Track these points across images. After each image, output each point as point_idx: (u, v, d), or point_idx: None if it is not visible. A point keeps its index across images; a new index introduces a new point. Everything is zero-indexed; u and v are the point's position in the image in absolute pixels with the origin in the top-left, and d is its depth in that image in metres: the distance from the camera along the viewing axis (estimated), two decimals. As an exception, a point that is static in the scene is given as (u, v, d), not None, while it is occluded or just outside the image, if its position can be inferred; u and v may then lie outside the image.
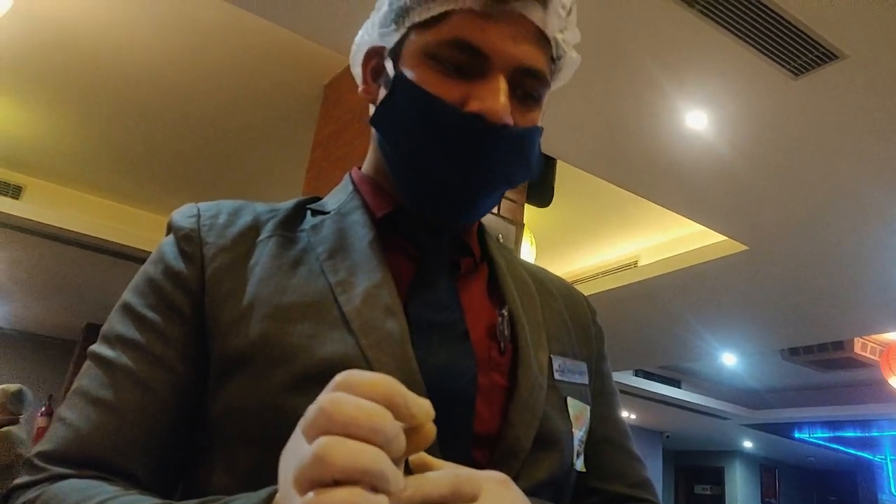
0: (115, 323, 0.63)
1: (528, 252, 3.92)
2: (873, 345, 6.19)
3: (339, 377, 0.39)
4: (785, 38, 2.27)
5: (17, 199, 4.59)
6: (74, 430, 0.56)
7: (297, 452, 0.37)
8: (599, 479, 0.70)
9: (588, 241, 4.73)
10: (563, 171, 3.31)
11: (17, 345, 8.11)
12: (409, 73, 0.65)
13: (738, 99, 2.62)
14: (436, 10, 0.64)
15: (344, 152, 2.82)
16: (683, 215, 3.61)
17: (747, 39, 2.30)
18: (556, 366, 0.69)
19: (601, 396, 0.75)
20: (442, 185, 0.65)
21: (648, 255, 4.50)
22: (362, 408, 0.36)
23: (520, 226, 2.93)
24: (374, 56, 0.71)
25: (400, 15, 0.67)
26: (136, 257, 4.89)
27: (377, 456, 0.35)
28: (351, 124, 2.88)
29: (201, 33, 3.11)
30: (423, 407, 0.39)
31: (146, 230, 4.91)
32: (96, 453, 0.56)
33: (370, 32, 0.72)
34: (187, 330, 0.61)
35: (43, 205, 4.60)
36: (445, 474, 0.42)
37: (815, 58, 2.35)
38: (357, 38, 0.74)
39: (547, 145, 3.26)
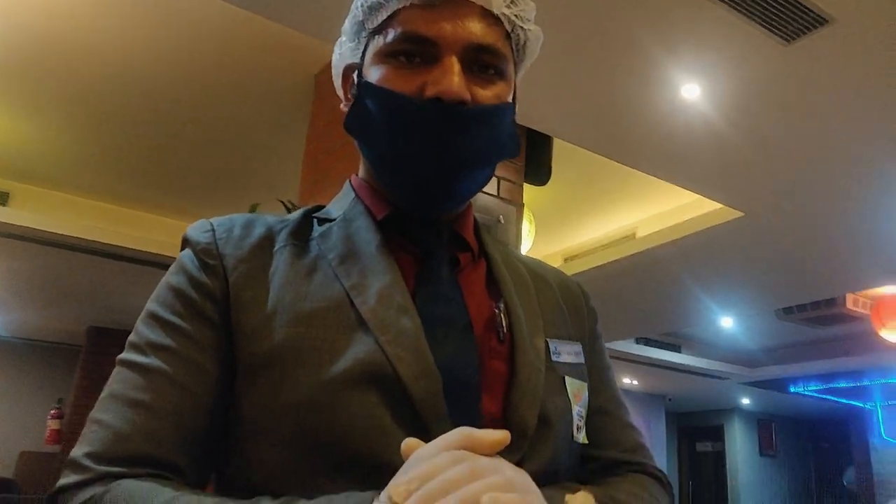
0: (144, 331, 0.65)
1: (527, 231, 3.94)
2: (864, 299, 6.31)
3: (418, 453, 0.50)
4: (776, 4, 2.28)
5: (5, 205, 4.53)
6: (114, 431, 0.58)
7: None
8: (596, 446, 0.75)
9: (586, 216, 4.76)
10: (557, 147, 3.32)
11: (22, 353, 8.13)
12: (371, 77, 0.70)
13: (732, 67, 2.63)
14: (384, 14, 0.69)
15: (340, 143, 2.81)
16: (680, 186, 3.64)
17: (739, 8, 2.31)
18: (552, 349, 0.73)
19: (595, 371, 0.79)
20: (416, 173, 0.69)
21: (646, 227, 4.54)
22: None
23: (519, 206, 2.95)
24: (349, 73, 0.76)
25: (358, 29, 0.73)
26: (132, 258, 4.87)
27: None
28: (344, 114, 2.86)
29: (185, 29, 3.08)
30: (499, 438, 0.50)
31: (141, 230, 4.88)
32: (137, 450, 0.57)
33: (342, 52, 0.77)
34: (217, 335, 0.64)
35: (32, 210, 4.54)
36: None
37: (806, 23, 2.36)
38: (333, 61, 0.79)
39: (541, 123, 3.28)
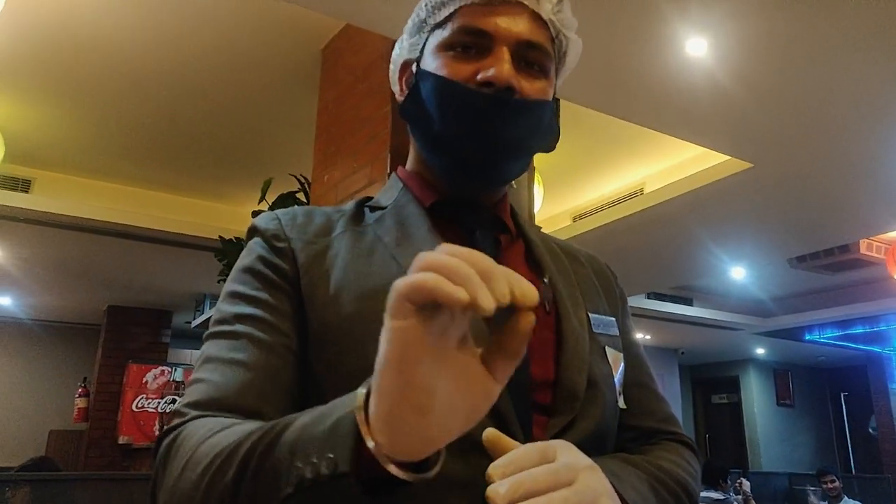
0: (228, 307, 0.73)
1: (536, 193, 3.97)
2: (878, 244, 6.30)
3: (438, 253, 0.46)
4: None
5: (28, 192, 4.62)
6: (213, 384, 0.66)
7: None
8: (633, 416, 0.81)
9: (593, 174, 4.77)
10: (561, 105, 3.33)
11: (45, 335, 8.28)
12: (428, 67, 0.77)
13: (737, 18, 2.63)
14: (446, 12, 0.78)
15: (351, 115, 2.84)
16: (688, 140, 3.64)
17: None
18: (592, 321, 0.80)
19: (629, 348, 0.86)
20: (463, 152, 0.76)
21: (654, 182, 4.53)
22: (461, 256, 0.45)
23: (531, 171, 2.99)
24: (406, 68, 0.83)
25: (420, 26, 0.81)
26: (150, 238, 4.95)
27: (466, 268, 0.44)
28: (354, 86, 2.89)
29: (192, 9, 3.10)
30: (530, 290, 0.46)
31: (157, 210, 4.95)
32: (234, 399, 0.65)
33: (402, 48, 0.84)
34: (293, 304, 0.72)
35: (54, 196, 4.63)
36: (549, 468, 0.52)
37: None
38: (393, 57, 0.86)
39: (546, 84, 3.25)
